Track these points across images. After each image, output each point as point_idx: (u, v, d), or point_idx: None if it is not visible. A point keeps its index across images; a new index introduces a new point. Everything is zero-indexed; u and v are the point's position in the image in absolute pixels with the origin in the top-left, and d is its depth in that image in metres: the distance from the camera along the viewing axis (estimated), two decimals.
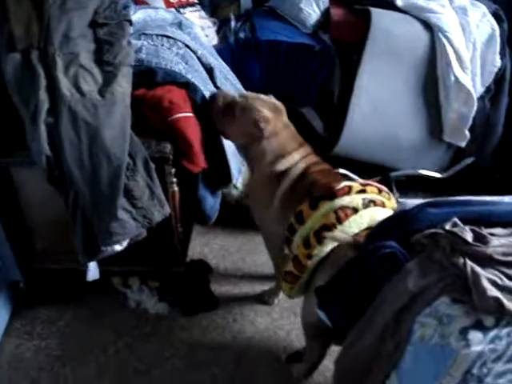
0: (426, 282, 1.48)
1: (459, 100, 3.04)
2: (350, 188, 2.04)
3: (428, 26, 3.00)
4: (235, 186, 2.69)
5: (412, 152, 3.17)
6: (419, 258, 1.55)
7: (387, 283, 1.58)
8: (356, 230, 1.96)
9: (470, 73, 3.03)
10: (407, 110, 3.08)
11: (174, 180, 2.30)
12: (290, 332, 2.49)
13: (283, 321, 2.54)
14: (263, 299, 2.65)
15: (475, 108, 3.07)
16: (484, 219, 1.57)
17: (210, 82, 2.54)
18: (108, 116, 2.06)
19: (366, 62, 2.97)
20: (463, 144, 3.15)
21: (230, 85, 2.73)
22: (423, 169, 3.20)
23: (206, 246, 2.95)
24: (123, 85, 2.14)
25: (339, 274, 1.76)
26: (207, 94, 2.40)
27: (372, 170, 3.11)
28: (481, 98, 3.13)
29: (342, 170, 2.86)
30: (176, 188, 2.33)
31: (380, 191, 2.10)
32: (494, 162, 3.28)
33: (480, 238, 1.50)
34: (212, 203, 2.66)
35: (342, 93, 3.08)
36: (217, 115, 2.35)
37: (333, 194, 2.02)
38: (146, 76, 2.29)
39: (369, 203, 2.02)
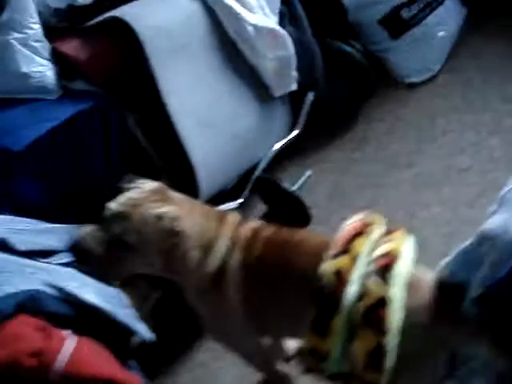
0: None
1: (269, 45, 2.46)
2: (339, 271, 1.44)
3: None
4: None
5: (260, 134, 2.56)
6: None
7: None
8: (400, 318, 1.40)
9: (259, 10, 2.41)
10: (231, 98, 2.43)
11: None
12: None
13: None
14: None
15: (290, 41, 2.50)
16: None
17: None
18: None
19: (162, 79, 2.18)
20: (295, 86, 2.62)
21: None
22: (278, 139, 2.64)
23: None
24: None
25: None
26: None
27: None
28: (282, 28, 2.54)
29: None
30: None
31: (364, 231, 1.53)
32: (329, 83, 2.77)
33: None
34: None
35: (155, 136, 2.28)
36: (100, 264, 1.68)
37: (334, 299, 1.43)
38: None
39: (381, 273, 1.43)
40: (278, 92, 2.59)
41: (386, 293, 1.38)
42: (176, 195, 1.75)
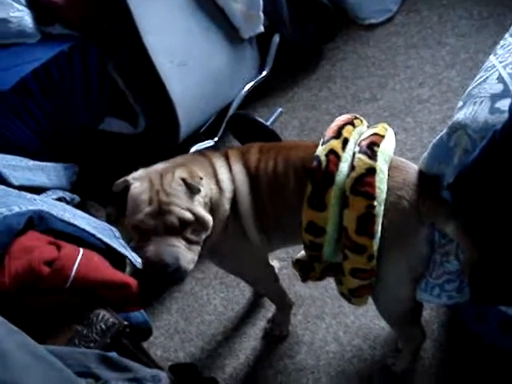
0: None
1: None
2: (332, 151, 1.56)
3: None
4: None
5: (232, 74, 2.63)
6: None
7: None
8: (386, 187, 1.53)
9: None
10: (203, 39, 2.48)
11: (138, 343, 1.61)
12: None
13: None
14: (274, 333, 2.18)
15: None
16: None
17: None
18: None
19: (139, 18, 2.22)
20: (262, 28, 2.67)
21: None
22: (248, 80, 2.73)
23: None
24: None
25: None
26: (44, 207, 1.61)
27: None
28: None
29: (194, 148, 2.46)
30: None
31: (352, 123, 1.65)
32: (294, 23, 2.86)
33: None
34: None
35: (134, 79, 2.34)
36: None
37: (327, 174, 1.53)
38: None
39: (368, 148, 1.54)
40: (246, 34, 2.64)
41: (374, 163, 1.51)
42: (160, 165, 1.76)
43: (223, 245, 1.80)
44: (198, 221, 1.63)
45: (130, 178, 1.68)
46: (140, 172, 1.71)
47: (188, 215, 1.60)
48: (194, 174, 1.65)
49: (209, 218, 1.66)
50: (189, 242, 1.63)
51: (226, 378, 2.12)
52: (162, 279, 1.62)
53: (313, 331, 2.16)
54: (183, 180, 1.63)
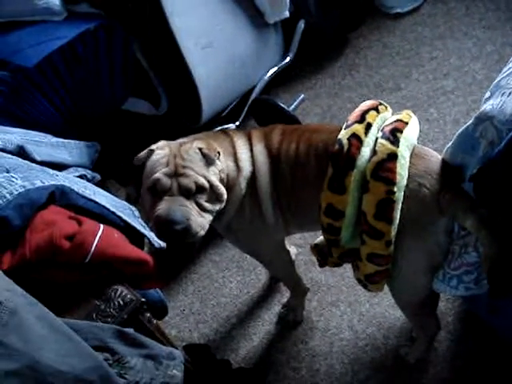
0: None
1: None
2: (354, 135, 1.55)
3: None
4: None
5: (255, 59, 2.64)
6: None
7: None
8: (406, 174, 1.52)
9: None
10: (228, 22, 2.49)
11: (155, 321, 1.60)
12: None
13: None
14: (288, 319, 2.19)
15: None
16: None
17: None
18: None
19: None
20: (287, 14, 2.67)
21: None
22: (272, 65, 2.74)
23: None
24: None
25: None
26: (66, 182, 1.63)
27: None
28: None
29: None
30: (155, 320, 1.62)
31: (376, 109, 1.64)
32: (320, 10, 2.83)
33: None
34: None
35: (162, 54, 2.35)
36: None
37: (348, 158, 1.52)
38: None
39: (391, 133, 1.53)
40: (271, 19, 2.64)
41: (396, 149, 1.50)
42: (182, 139, 1.79)
43: (239, 223, 1.81)
44: (213, 190, 1.66)
45: (153, 146, 1.72)
46: (161, 143, 1.74)
47: (203, 181, 1.63)
48: (211, 146, 1.69)
49: (223, 190, 1.68)
50: (202, 208, 1.65)
51: (238, 361, 2.14)
52: (170, 236, 1.64)
53: (327, 318, 2.16)
54: (200, 149, 1.66)
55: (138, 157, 1.72)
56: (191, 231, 1.62)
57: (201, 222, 1.64)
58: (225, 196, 1.68)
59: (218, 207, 1.68)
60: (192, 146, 1.67)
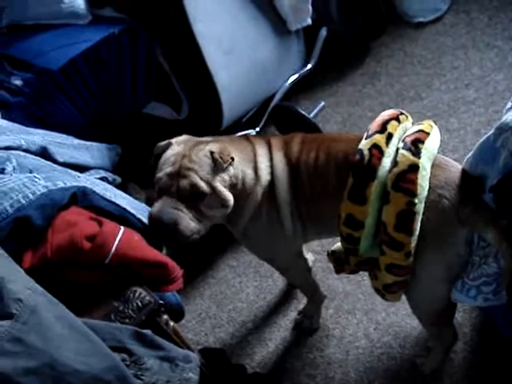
0: None
1: None
2: (375, 145, 1.54)
3: None
4: None
5: (277, 65, 2.64)
6: None
7: None
8: (427, 186, 1.51)
9: None
10: (251, 28, 2.50)
11: (171, 324, 1.60)
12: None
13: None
14: (304, 325, 2.19)
15: None
16: None
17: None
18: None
19: (188, 5, 2.23)
20: (309, 21, 2.67)
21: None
22: (293, 72, 2.74)
23: None
24: None
25: None
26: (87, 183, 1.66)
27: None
28: None
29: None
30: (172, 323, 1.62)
31: (397, 118, 1.63)
32: (342, 18, 2.86)
33: None
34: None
35: (184, 59, 2.37)
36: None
37: (369, 168, 1.52)
38: None
39: (413, 144, 1.53)
40: (293, 26, 2.65)
41: (418, 160, 1.50)
42: (205, 138, 1.80)
43: (255, 229, 1.82)
44: (216, 196, 1.65)
45: (173, 140, 1.75)
46: (183, 137, 1.76)
47: (203, 185, 1.63)
48: (225, 151, 1.68)
49: (228, 196, 1.67)
50: (200, 213, 1.66)
51: (254, 366, 2.14)
52: (159, 236, 1.66)
53: (343, 326, 2.16)
54: (211, 153, 1.66)
55: (158, 145, 1.76)
56: (180, 233, 1.63)
57: (193, 226, 1.65)
58: (230, 202, 1.68)
59: (221, 213, 1.69)
60: (205, 149, 1.67)
